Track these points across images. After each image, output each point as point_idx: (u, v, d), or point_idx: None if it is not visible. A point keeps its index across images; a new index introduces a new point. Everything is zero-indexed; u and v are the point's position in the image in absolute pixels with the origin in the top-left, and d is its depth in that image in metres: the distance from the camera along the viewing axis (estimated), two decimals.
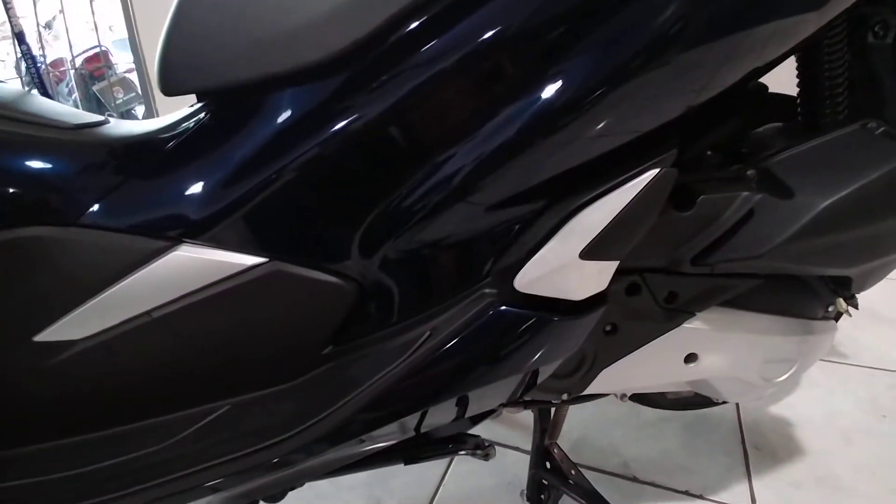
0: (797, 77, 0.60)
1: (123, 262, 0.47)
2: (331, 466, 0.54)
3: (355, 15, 0.44)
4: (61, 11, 2.24)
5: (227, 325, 0.50)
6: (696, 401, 0.80)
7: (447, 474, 0.71)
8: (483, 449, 0.56)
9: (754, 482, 0.78)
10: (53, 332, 0.48)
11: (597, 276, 0.48)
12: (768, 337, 0.59)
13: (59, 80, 2.78)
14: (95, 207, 0.47)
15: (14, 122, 0.49)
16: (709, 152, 0.63)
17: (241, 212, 0.47)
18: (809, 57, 0.58)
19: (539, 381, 0.53)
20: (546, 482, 0.72)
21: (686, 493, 0.77)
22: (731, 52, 0.44)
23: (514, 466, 0.80)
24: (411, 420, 0.51)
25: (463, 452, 0.55)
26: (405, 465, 0.54)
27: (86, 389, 0.51)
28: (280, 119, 0.46)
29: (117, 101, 2.67)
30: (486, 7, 0.43)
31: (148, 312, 0.48)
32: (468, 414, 0.54)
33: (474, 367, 0.49)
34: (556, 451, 0.71)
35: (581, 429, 0.87)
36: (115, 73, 2.65)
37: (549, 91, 0.43)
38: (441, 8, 0.43)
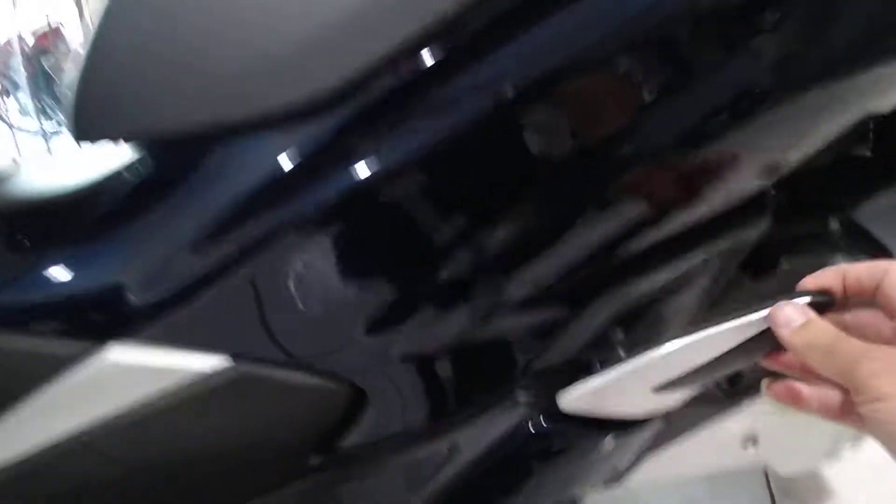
0: None
1: (36, 371, 0.34)
2: None
3: (342, 47, 0.31)
4: None
5: (180, 443, 0.38)
6: None
7: None
8: None
9: None
10: None
11: (671, 401, 0.37)
12: None
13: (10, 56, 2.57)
14: None
15: None
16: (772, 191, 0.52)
17: (195, 300, 0.34)
18: None
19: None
20: None
21: None
22: (828, 108, 0.34)
23: None
24: None
25: None
26: None
27: None
28: (245, 180, 0.33)
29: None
30: (522, 41, 0.30)
31: (76, 436, 0.36)
32: None
33: (511, 496, 0.39)
34: None
35: None
36: (68, 48, 2.43)
37: (606, 156, 0.32)
38: (468, 37, 0.31)
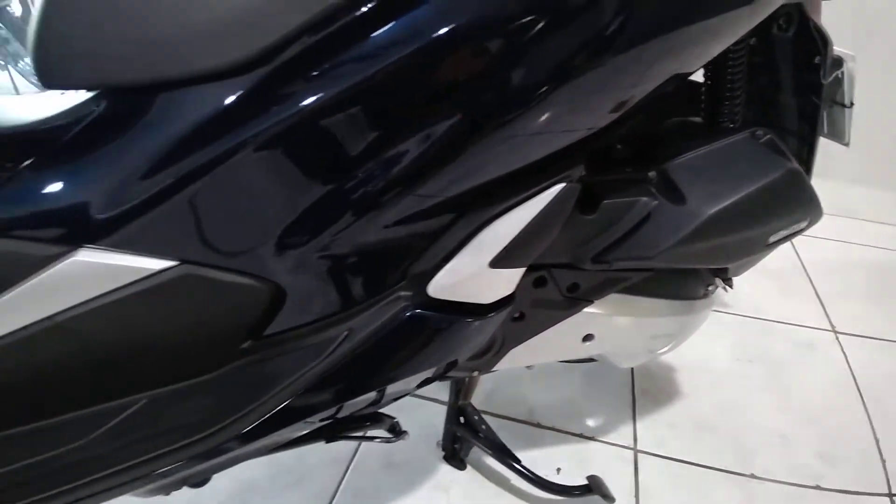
0: (703, 77, 0.63)
1: (15, 270, 0.45)
2: (254, 454, 0.58)
3: (262, 22, 0.41)
4: None
5: (136, 326, 0.49)
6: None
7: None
8: (397, 433, 0.61)
9: (638, 424, 0.90)
10: None
11: (505, 282, 0.51)
12: (655, 318, 0.66)
13: None
14: None
15: None
16: (618, 146, 0.66)
17: (148, 214, 0.45)
18: (715, 60, 0.61)
19: (452, 368, 0.57)
20: (459, 435, 0.79)
21: (581, 435, 0.87)
22: (657, 59, 0.45)
23: (431, 418, 0.88)
24: (331, 409, 0.55)
25: (378, 439, 0.60)
26: (326, 443, 0.59)
27: None
28: (190, 119, 0.43)
29: None
30: (400, 19, 0.41)
31: (50, 318, 0.46)
32: (385, 400, 0.58)
33: (389, 365, 0.52)
34: (469, 409, 0.79)
35: (494, 380, 0.95)
36: None
37: (467, 109, 0.43)
38: (353, 18, 0.41)
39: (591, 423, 0.89)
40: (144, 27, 0.41)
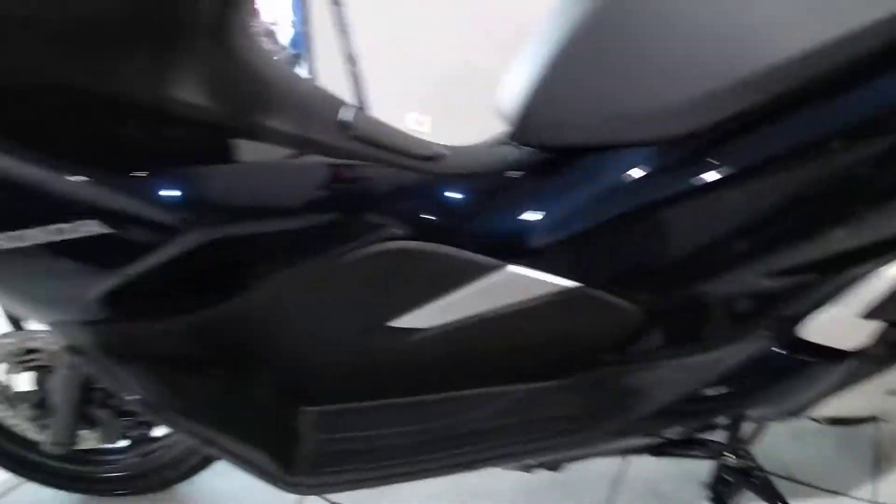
0: None
1: (466, 273, 0.59)
2: (601, 454, 0.68)
3: (712, 104, 0.52)
4: None
5: (533, 329, 0.62)
6: (848, 419, 0.90)
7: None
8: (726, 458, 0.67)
9: (881, 481, 0.90)
10: (404, 321, 0.61)
11: (868, 332, 0.58)
12: None
13: None
14: (448, 229, 0.59)
15: (386, 150, 0.60)
16: None
17: (566, 246, 0.58)
18: None
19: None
20: (729, 479, 0.83)
21: (835, 492, 0.90)
22: None
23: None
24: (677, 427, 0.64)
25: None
26: (652, 455, 0.67)
27: (425, 362, 0.64)
28: (614, 177, 0.56)
29: None
30: (815, 112, 0.51)
31: (479, 315, 0.60)
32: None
33: (752, 393, 0.60)
34: (743, 453, 0.83)
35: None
36: (262, 25, 2.74)
37: (851, 187, 0.53)
38: (772, 110, 0.52)
39: (842, 481, 0.92)
40: (615, 101, 0.55)
